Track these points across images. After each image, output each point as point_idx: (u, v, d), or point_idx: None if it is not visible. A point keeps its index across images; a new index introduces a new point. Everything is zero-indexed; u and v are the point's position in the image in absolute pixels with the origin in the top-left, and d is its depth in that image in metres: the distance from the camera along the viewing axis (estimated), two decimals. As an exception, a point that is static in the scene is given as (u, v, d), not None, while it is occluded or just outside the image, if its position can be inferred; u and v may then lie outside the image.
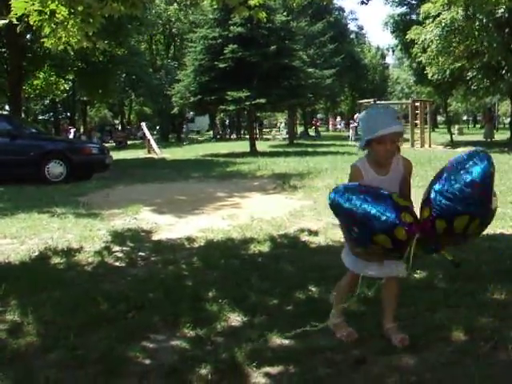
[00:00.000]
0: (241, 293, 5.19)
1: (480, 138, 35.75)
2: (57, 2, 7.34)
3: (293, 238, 7.58)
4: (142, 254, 7.05)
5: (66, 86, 31.73)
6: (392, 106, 53.65)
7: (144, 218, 9.56)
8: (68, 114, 49.11)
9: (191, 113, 48.04)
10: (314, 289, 5.31)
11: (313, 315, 4.59)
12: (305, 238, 7.56)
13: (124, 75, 36.98)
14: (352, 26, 64.08)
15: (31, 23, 7.71)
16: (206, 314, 4.74)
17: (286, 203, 10.73)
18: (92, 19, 7.63)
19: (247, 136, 33.91)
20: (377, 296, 4.84)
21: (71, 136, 34.41)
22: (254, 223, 8.58)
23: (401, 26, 35.60)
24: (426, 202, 3.61)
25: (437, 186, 3.54)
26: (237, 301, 4.95)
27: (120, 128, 52.52)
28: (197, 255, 6.79)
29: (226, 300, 4.95)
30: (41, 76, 27.58)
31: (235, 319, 4.65)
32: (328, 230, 7.88)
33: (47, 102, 44.27)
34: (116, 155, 21.47)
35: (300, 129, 52.54)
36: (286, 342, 4.17)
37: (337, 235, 7.59)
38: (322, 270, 5.86)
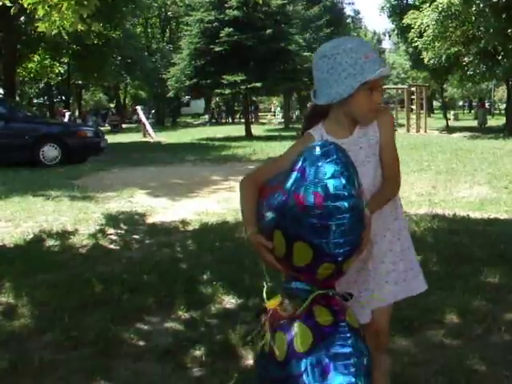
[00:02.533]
0: (235, 275, 5.20)
1: (476, 123, 35.77)
2: (51, -16, 7.28)
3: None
4: (137, 236, 7.05)
5: (60, 69, 31.58)
6: (388, 90, 53.71)
7: (139, 201, 9.56)
8: (63, 97, 48.80)
9: (187, 97, 47.90)
10: (308, 272, 5.30)
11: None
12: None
13: (119, 58, 36.77)
14: (348, 11, 64.19)
15: (25, 6, 7.66)
16: (200, 297, 4.75)
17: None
18: (86, 1, 7.57)
19: (243, 120, 33.85)
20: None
21: (66, 119, 34.23)
22: (249, 207, 8.57)
23: (397, 11, 35.51)
24: None
25: None
26: (231, 283, 4.96)
27: (115, 112, 52.29)
28: (191, 238, 6.80)
29: (220, 282, 4.96)
30: (35, 59, 27.41)
31: (229, 301, 4.66)
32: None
33: (42, 85, 43.98)
34: (111, 139, 21.43)
35: (296, 113, 52.45)
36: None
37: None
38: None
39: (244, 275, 5.22)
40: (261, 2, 8.49)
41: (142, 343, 3.96)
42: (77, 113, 47.19)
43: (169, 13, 52.02)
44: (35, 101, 54.86)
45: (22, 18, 21.07)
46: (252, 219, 2.28)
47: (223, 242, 6.49)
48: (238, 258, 5.80)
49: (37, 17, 8.25)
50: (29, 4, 7.57)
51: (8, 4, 7.88)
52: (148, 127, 28.79)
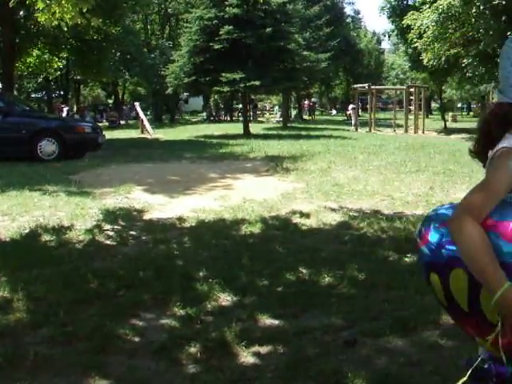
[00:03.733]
0: (231, 273, 5.20)
1: (474, 125, 35.74)
2: (51, -22, 7.26)
3: (284, 219, 7.59)
4: (133, 233, 7.05)
5: (59, 64, 31.46)
6: (387, 91, 53.74)
7: (136, 197, 9.55)
8: (61, 92, 48.72)
9: (185, 94, 47.78)
10: (304, 270, 5.32)
11: (303, 296, 4.61)
12: (296, 220, 7.57)
13: (118, 54, 36.73)
14: (348, 10, 64.01)
15: (24, -1, 7.64)
16: (196, 294, 4.75)
17: (278, 185, 10.73)
18: (87, -5, 7.56)
19: (241, 118, 33.82)
20: (367, 279, 4.88)
21: (64, 114, 34.15)
22: (246, 204, 8.58)
23: (397, 12, 35.44)
24: None
25: None
26: (227, 281, 4.96)
27: (113, 107, 52.20)
28: (188, 235, 6.80)
29: (216, 280, 4.96)
30: (34, 54, 27.30)
31: (225, 299, 4.66)
32: (319, 213, 7.90)
33: (40, 80, 43.86)
34: (109, 135, 21.38)
35: (294, 112, 52.43)
36: (276, 322, 4.18)
37: (328, 218, 7.63)
38: (313, 252, 5.90)
39: (240, 273, 5.23)
40: (261, 1, 8.47)
41: (137, 339, 3.96)
42: (75, 108, 47.10)
43: (169, 9, 51.88)
44: (33, 95, 54.74)
45: (22, 13, 21.03)
46: (499, 270, 1.73)
47: (219, 240, 6.49)
48: (234, 255, 5.81)
49: (36, 9, 8.23)
50: (28, -4, 7.56)
51: (8, -3, 7.87)
52: (146, 123, 28.76)
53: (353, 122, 32.48)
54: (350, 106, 37.91)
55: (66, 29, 10.27)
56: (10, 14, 19.35)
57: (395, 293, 4.66)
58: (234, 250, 6.01)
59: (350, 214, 7.89)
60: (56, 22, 8.45)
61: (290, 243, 6.33)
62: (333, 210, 8.16)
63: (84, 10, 8.09)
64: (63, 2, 7.72)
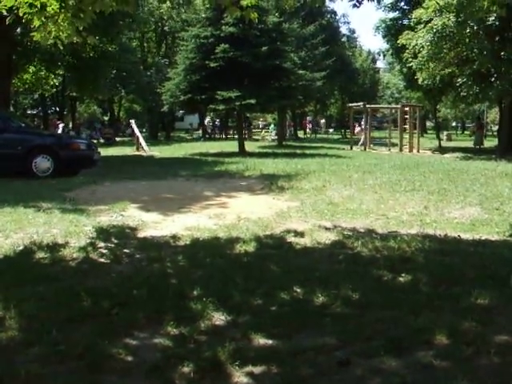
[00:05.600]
0: (225, 292, 5.19)
1: (468, 144, 35.88)
2: (48, -4, 7.28)
3: (279, 238, 7.58)
4: (127, 250, 7.02)
5: (55, 80, 31.57)
6: (382, 109, 53.93)
7: (130, 215, 9.53)
8: (57, 108, 48.75)
9: (181, 111, 47.92)
10: (298, 290, 5.31)
11: (297, 316, 4.60)
12: (291, 239, 7.57)
13: (114, 72, 36.79)
14: (344, 30, 64.08)
15: (21, 15, 7.64)
16: (189, 313, 4.73)
17: (273, 204, 10.73)
18: (83, 14, 7.56)
19: (236, 136, 33.87)
20: (361, 298, 4.88)
21: (60, 131, 34.18)
22: (241, 223, 8.58)
23: (392, 31, 35.65)
24: None
25: None
26: (221, 300, 4.95)
27: (109, 124, 52.27)
28: (182, 253, 6.78)
29: (210, 299, 4.94)
30: (30, 70, 27.40)
31: (219, 318, 4.65)
32: (314, 232, 7.89)
33: (36, 96, 43.95)
34: (104, 152, 21.40)
35: (289, 130, 52.55)
36: (270, 341, 4.17)
37: (322, 237, 7.63)
38: (307, 272, 5.89)
39: (234, 291, 5.21)
40: (256, 20, 8.52)
41: (130, 358, 3.95)
42: (71, 125, 47.13)
43: (165, 28, 52.17)
44: (29, 111, 54.83)
45: (19, 30, 21.09)
46: None
47: (214, 258, 6.48)
48: (228, 274, 5.79)
49: (32, 27, 8.24)
50: (25, 14, 7.55)
51: (4, 13, 7.87)
52: (141, 141, 28.78)
53: (361, 141, 32.35)
54: (357, 126, 37.93)
55: (62, 47, 10.29)
56: (7, 31, 19.39)
57: (389, 313, 4.66)
58: (229, 269, 5.99)
59: (345, 233, 7.89)
60: (52, 41, 8.46)
61: (285, 262, 6.32)
62: (327, 229, 8.17)
63: (80, 29, 8.09)
64: (59, 20, 7.72)
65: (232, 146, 28.56)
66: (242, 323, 4.52)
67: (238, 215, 9.17)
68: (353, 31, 72.59)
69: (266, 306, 4.90)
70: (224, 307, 4.80)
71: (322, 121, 65.60)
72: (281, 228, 8.24)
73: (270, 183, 13.40)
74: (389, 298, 4.98)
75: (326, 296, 5.09)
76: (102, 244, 7.33)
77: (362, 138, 32.73)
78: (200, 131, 53.90)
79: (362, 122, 35.87)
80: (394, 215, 9.33)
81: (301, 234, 7.77)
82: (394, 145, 30.59)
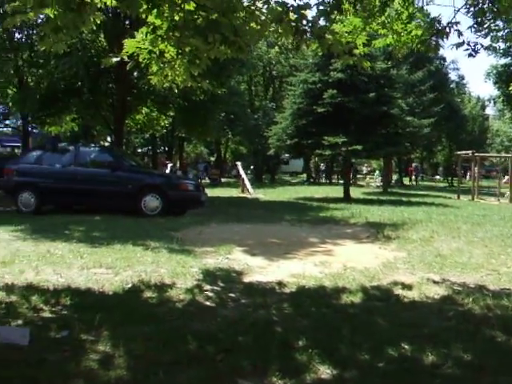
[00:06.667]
0: (331, 344, 5.09)
1: None
2: (166, 43, 7.57)
3: (386, 290, 7.41)
4: (233, 295, 7.05)
5: (166, 121, 32.56)
6: (491, 158, 52.33)
7: (236, 258, 9.61)
8: (166, 148, 50.27)
9: (286, 155, 48.34)
10: (406, 346, 5.14)
11: (406, 374, 4.45)
12: (398, 291, 7.37)
13: (223, 114, 37.63)
14: (453, 76, 63.19)
15: (140, 61, 7.99)
16: (295, 364, 4.67)
17: (379, 253, 10.54)
18: (198, 60, 7.80)
19: (341, 181, 33.73)
20: (473, 360, 4.66)
21: (168, 170, 35.14)
22: (347, 272, 8.45)
23: (504, 77, 34.87)
24: None
25: None
26: (327, 352, 4.86)
27: (215, 165, 53.38)
28: (288, 301, 6.73)
29: (316, 350, 4.87)
30: (143, 111, 28.47)
31: (325, 372, 4.56)
32: (422, 285, 7.67)
33: (147, 135, 45.45)
34: (210, 192, 21.76)
35: (395, 177, 51.87)
36: (378, 400, 4.05)
37: (431, 291, 7.39)
38: (416, 327, 5.71)
39: (340, 344, 5.12)
40: (368, 68, 8.53)
41: (235, 407, 3.92)
42: (178, 164, 48.37)
43: (273, 72, 53.18)
44: (139, 150, 56.74)
45: (135, 73, 22.04)
46: None
47: (320, 308, 6.39)
48: (334, 325, 5.70)
49: (150, 71, 8.58)
50: (144, 59, 7.89)
51: (125, 59, 8.24)
52: (247, 183, 29.16)
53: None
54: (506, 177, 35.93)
55: (176, 90, 10.67)
56: (125, 75, 20.34)
57: (504, 378, 4.42)
58: (335, 320, 5.90)
59: (454, 287, 7.62)
60: (168, 84, 8.79)
61: (392, 316, 6.15)
62: (436, 282, 7.91)
63: (195, 74, 8.35)
64: (176, 65, 8.02)
65: (337, 191, 28.45)
66: (349, 379, 4.42)
67: (344, 264, 9.05)
68: (462, 77, 71.44)
69: (374, 362, 4.76)
70: (330, 360, 4.70)
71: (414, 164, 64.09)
72: (388, 279, 8.06)
73: (375, 231, 13.19)
74: (504, 361, 4.74)
75: (436, 355, 4.90)
76: (208, 287, 7.40)
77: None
78: (304, 175, 54.11)
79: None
80: (505, 271, 8.94)
81: (408, 287, 7.56)
82: (503, 195, 29.53)
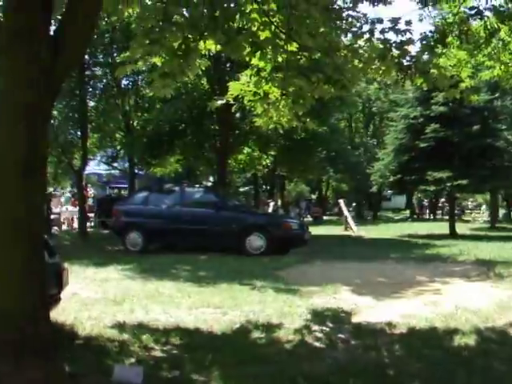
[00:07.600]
0: (448, 389, 4.91)
1: None
2: (270, 84, 7.69)
3: (501, 332, 7.09)
4: (342, 336, 6.94)
5: (267, 161, 32.86)
6: None
7: (343, 297, 9.49)
8: (267, 187, 50.64)
9: (388, 191, 47.65)
10: (528, 393, 4.89)
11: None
12: (515, 333, 7.05)
13: (324, 152, 37.67)
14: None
15: (245, 103, 8.14)
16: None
17: (491, 293, 10.11)
18: (303, 100, 7.87)
19: (445, 217, 32.87)
20: None
21: (270, 209, 35.33)
22: (459, 313, 8.13)
23: None
24: None
25: None
26: (444, 397, 4.69)
27: (317, 203, 53.31)
28: (399, 342, 6.56)
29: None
30: (245, 151, 28.88)
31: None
32: (541, 327, 7.31)
33: (249, 175, 45.96)
34: (313, 230, 21.67)
35: (502, 211, 50.01)
36: None
37: (552, 334, 7.03)
38: (537, 372, 5.42)
39: (457, 390, 4.93)
40: (475, 100, 8.35)
41: None
42: (279, 202, 48.57)
43: (373, 108, 52.81)
44: (241, 189, 57.45)
45: (238, 114, 22.46)
46: None
47: (433, 350, 6.19)
48: (449, 368, 5.50)
49: (255, 113, 8.72)
50: (249, 101, 8.04)
51: (231, 102, 8.42)
52: (350, 220, 28.93)
53: None
54: None
55: (281, 131, 10.78)
56: (229, 117, 20.78)
57: None
58: (448, 363, 5.69)
59: None
60: (273, 126, 8.89)
61: (510, 360, 5.87)
62: (555, 324, 7.52)
63: (300, 113, 8.42)
64: (280, 106, 8.12)
65: (441, 228, 27.72)
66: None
67: (455, 304, 8.71)
68: None
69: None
70: (447, 406, 4.54)
71: None
72: (503, 320, 7.71)
73: (486, 269, 12.71)
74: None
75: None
76: (316, 327, 7.33)
77: None
78: (407, 211, 53.13)
79: None
80: None
81: (526, 329, 7.23)
82: None
